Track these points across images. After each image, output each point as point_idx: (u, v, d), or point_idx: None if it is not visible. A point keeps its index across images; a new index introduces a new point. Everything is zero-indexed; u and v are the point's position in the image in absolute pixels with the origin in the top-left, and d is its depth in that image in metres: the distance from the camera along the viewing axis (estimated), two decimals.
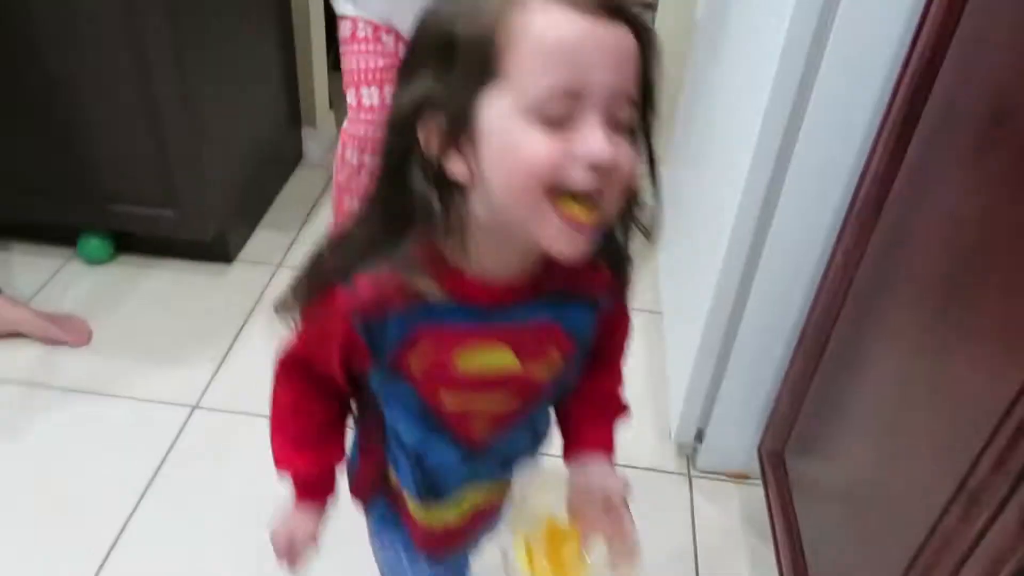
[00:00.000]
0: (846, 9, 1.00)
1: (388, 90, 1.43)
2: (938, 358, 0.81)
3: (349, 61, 1.57)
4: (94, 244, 1.93)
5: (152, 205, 1.81)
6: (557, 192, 0.54)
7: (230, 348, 1.74)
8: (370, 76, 1.56)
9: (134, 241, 1.96)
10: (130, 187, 1.79)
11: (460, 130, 0.54)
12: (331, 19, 2.88)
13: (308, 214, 2.18)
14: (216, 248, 1.96)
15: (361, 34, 1.55)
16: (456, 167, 0.56)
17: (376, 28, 1.55)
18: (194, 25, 1.67)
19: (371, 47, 1.55)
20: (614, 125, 0.54)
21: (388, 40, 1.56)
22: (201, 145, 1.74)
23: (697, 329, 1.37)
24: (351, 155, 1.60)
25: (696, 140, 1.64)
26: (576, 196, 0.54)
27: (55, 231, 1.94)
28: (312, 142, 2.41)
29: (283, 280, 1.92)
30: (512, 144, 0.53)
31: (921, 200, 0.90)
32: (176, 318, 1.82)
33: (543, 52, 0.51)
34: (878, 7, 0.99)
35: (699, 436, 1.49)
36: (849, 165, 1.10)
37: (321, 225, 2.14)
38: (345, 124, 1.60)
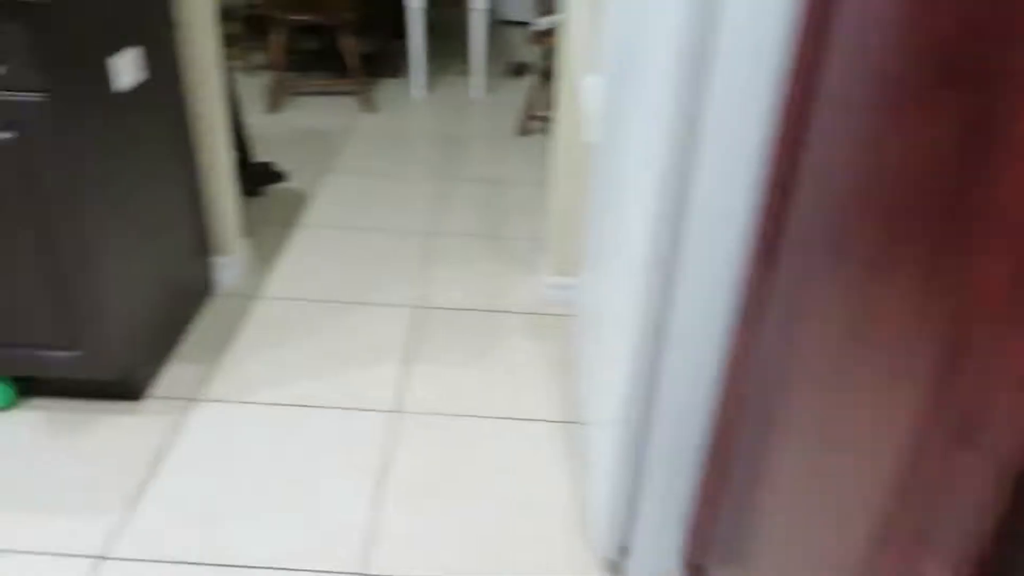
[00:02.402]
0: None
1: None
2: (832, 452, 0.86)
3: None
4: None
5: (54, 348, 1.76)
6: None
7: (141, 491, 1.66)
8: None
9: (40, 384, 1.90)
10: (30, 330, 1.74)
11: None
12: (239, 146, 2.93)
13: (223, 345, 2.15)
14: (124, 386, 1.90)
15: None
16: None
17: None
18: (92, 163, 1.68)
19: None
20: None
21: None
22: (101, 284, 1.72)
23: (611, 442, 1.40)
24: None
25: (605, 250, 1.72)
26: None
27: None
28: (226, 271, 2.40)
29: (197, 417, 1.88)
30: None
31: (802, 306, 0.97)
32: (80, 462, 1.73)
33: None
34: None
35: (624, 551, 1.49)
36: (732, 277, 1.18)
37: (239, 354, 2.10)
38: None
